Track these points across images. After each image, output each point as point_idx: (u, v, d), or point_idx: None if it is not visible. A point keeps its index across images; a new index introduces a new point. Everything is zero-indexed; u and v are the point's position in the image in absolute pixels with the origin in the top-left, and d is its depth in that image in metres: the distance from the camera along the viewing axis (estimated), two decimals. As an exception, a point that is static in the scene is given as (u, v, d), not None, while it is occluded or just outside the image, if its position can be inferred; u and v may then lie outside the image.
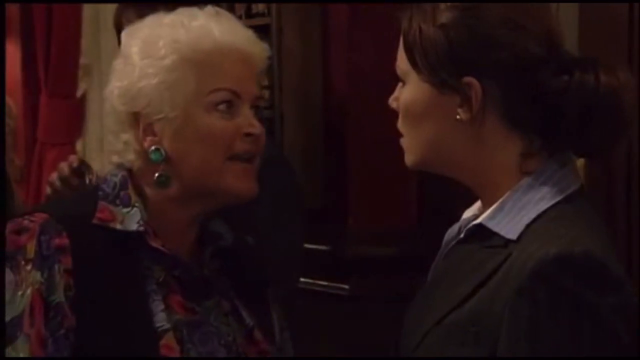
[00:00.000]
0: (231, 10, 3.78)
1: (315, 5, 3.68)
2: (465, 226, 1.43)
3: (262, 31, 3.65)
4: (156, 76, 1.49)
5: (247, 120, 1.51)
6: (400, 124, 1.43)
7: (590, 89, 1.31)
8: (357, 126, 3.30)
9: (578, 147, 1.37)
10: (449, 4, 1.36)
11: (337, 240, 3.47)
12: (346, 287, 3.28)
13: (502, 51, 1.33)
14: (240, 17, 3.80)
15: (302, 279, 2.76)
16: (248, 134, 1.51)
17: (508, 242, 1.31)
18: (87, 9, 4.40)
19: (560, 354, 1.20)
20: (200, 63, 1.50)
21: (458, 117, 1.35)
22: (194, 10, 1.55)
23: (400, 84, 1.43)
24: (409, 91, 1.40)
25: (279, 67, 3.63)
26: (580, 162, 2.41)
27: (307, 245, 2.29)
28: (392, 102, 1.44)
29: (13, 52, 4.62)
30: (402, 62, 1.41)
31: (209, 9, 1.56)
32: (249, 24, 3.65)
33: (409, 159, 1.43)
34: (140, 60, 1.50)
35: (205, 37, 1.51)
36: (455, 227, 1.48)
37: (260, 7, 3.78)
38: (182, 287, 1.52)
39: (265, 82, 3.72)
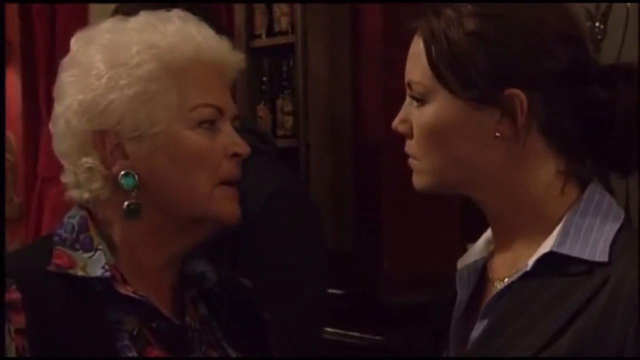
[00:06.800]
0: (250, 29, 3.81)
1: (345, 22, 3.62)
2: (475, 269, 1.43)
3: (285, 51, 3.74)
4: (131, 87, 1.38)
5: (232, 139, 1.44)
6: (417, 147, 1.39)
7: (637, 100, 1.32)
8: (391, 158, 3.17)
9: (617, 162, 1.37)
10: (470, 8, 1.33)
11: (371, 286, 3.38)
12: (380, 338, 3.19)
13: (548, 59, 1.32)
14: (260, 36, 3.80)
15: (329, 329, 2.70)
16: (234, 155, 1.44)
17: (593, 266, 1.31)
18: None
19: None
20: (181, 72, 1.41)
21: (497, 134, 1.33)
22: (161, 13, 1.45)
23: (410, 103, 1.39)
24: (435, 110, 1.36)
25: (304, 91, 3.56)
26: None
27: (336, 291, 2.25)
28: (400, 125, 1.40)
29: (14, 82, 4.58)
30: (423, 79, 1.37)
31: (176, 11, 1.46)
32: (271, 44, 3.77)
33: (425, 181, 1.40)
34: (108, 69, 1.39)
35: (187, 43, 1.41)
36: (463, 275, 1.44)
37: (283, 25, 3.69)
38: (161, 339, 1.43)
39: (289, 108, 3.70)
